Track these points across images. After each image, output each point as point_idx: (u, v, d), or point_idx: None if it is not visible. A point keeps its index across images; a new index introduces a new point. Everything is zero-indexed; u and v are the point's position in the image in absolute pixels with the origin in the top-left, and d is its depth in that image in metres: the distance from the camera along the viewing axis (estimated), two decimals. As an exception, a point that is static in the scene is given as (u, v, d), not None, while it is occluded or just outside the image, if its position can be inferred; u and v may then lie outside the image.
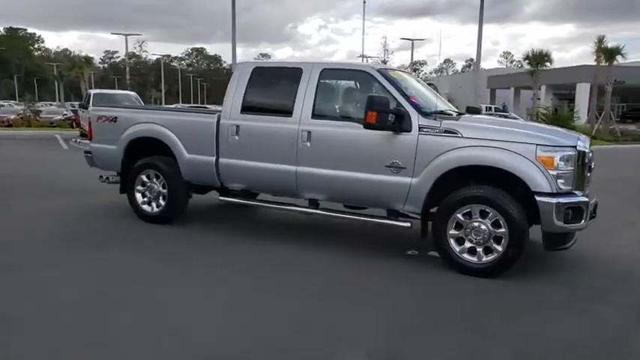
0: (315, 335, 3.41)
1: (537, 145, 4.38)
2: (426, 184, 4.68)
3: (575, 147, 4.44)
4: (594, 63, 30.17)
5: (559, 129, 5.21)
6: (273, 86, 5.78)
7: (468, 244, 4.61)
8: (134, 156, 6.36)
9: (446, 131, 4.63)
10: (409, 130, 4.73)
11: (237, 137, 5.54)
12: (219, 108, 6.06)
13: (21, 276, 4.37)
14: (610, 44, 28.88)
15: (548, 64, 31.79)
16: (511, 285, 4.39)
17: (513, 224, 4.37)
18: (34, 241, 5.39)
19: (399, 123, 4.73)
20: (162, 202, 6.17)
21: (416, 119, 4.73)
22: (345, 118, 5.20)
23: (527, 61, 32.00)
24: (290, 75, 5.49)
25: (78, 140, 7.70)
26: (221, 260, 4.97)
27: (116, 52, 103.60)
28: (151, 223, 6.15)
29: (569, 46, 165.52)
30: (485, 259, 4.55)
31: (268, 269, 4.73)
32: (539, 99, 36.02)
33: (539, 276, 4.64)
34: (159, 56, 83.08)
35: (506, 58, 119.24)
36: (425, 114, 4.82)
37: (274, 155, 5.38)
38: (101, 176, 6.84)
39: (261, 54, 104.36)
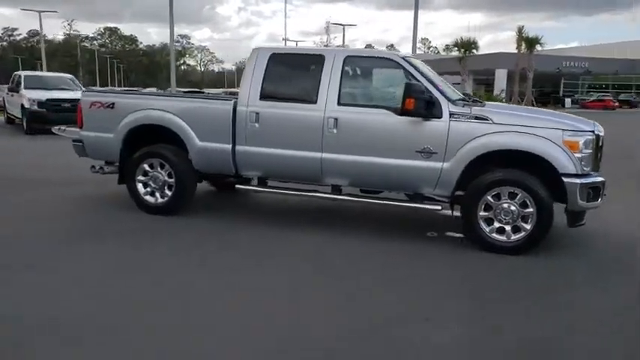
0: (398, 318, 3.53)
1: (563, 130, 4.74)
2: (457, 169, 4.90)
3: (594, 132, 4.85)
4: (512, 50, 32.23)
5: (572, 115, 5.61)
6: (293, 73, 5.72)
7: (497, 224, 4.89)
8: (133, 145, 6.05)
9: (476, 117, 4.86)
10: (439, 117, 4.90)
11: (257, 124, 5.44)
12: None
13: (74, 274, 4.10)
14: (526, 34, 30.83)
15: (474, 51, 33.42)
16: (539, 261, 4.74)
17: (541, 204, 4.71)
18: (75, 234, 5.20)
19: (431, 109, 4.89)
20: (167, 192, 5.93)
21: (446, 106, 4.92)
22: (372, 105, 5.26)
23: (455, 48, 33.44)
24: (311, 62, 5.48)
25: (62, 127, 7.10)
26: (268, 249, 4.96)
27: (15, 29, 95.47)
28: (154, 214, 5.90)
29: (480, 34, 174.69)
30: (513, 237, 4.86)
31: (320, 257, 4.77)
32: (460, 83, 37.84)
33: (560, 252, 5.02)
34: (68, 34, 77.55)
35: (424, 44, 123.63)
36: (452, 101, 5.02)
37: (298, 142, 5.35)
38: (93, 166, 6.42)
39: (180, 35, 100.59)
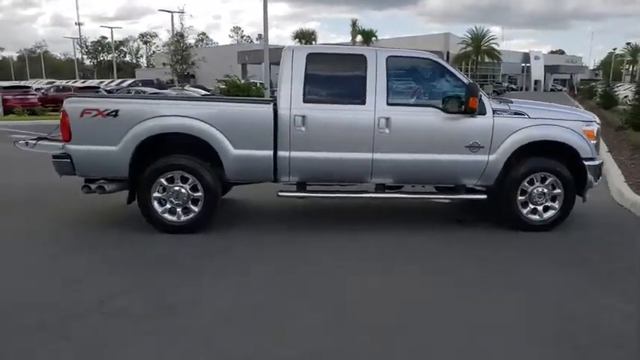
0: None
1: (582, 121, 5.59)
2: (501, 160, 5.42)
3: (598, 122, 5.80)
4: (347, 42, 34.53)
5: (575, 107, 6.53)
6: (333, 73, 5.56)
7: (531, 206, 5.57)
8: (142, 157, 5.28)
9: (515, 113, 5.42)
10: (484, 114, 5.34)
11: (303, 128, 5.21)
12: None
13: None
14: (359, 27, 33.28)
15: (313, 42, 34.90)
16: (564, 234, 5.55)
17: (568, 186, 5.51)
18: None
19: (481, 107, 5.30)
20: (193, 208, 5.33)
21: (489, 104, 5.38)
22: (421, 104, 5.45)
23: (297, 38, 34.47)
24: (351, 62, 5.43)
25: (29, 141, 5.54)
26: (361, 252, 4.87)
27: None
28: (173, 234, 5.27)
29: (286, 24, 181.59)
30: (545, 215, 5.59)
31: (410, 256, 4.85)
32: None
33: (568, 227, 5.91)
34: None
35: (237, 33, 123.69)
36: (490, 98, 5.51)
37: (348, 144, 5.30)
38: (87, 186, 5.39)
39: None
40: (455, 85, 5.42)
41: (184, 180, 5.29)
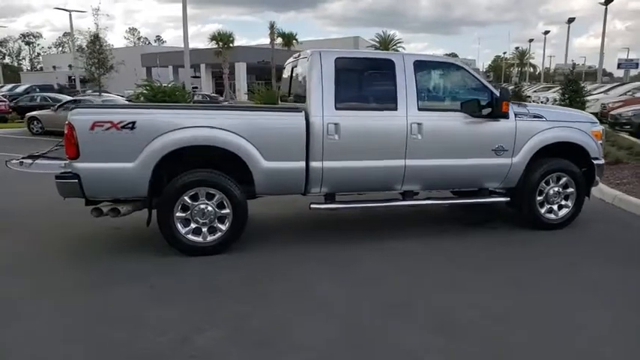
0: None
1: (590, 122, 5.88)
2: (523, 162, 5.55)
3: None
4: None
5: (579, 110, 6.81)
6: (362, 79, 5.36)
7: (547, 206, 5.76)
8: (161, 174, 4.77)
9: (534, 116, 5.58)
10: (507, 117, 5.43)
11: (336, 137, 4.96)
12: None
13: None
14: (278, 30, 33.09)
15: (231, 44, 34.08)
16: (577, 231, 5.82)
17: (580, 185, 5.77)
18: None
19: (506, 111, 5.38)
20: (220, 227, 4.89)
21: (511, 107, 5.48)
22: (450, 108, 5.40)
23: (214, 41, 33.45)
24: (380, 67, 5.28)
25: (25, 161, 4.62)
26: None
27: None
28: (198, 256, 4.82)
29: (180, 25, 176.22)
30: (560, 214, 5.81)
31: (450, 261, 4.75)
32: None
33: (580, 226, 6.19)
34: None
35: (133, 34, 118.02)
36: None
37: (382, 152, 5.14)
38: (97, 209, 4.73)
39: None
40: (477, 89, 5.46)
41: (210, 197, 4.83)
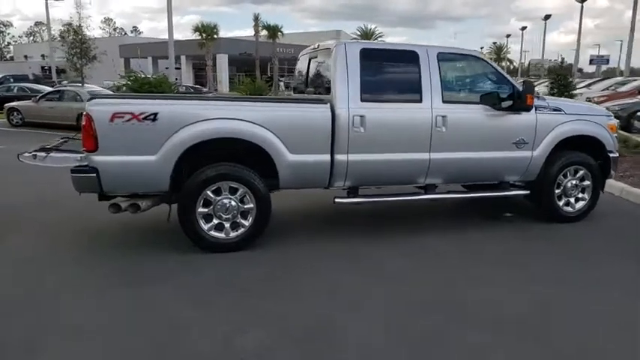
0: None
1: (606, 116, 5.89)
2: (543, 155, 5.53)
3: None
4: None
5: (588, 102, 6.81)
6: (386, 70, 5.23)
7: (564, 199, 5.77)
8: (180, 168, 4.59)
9: (554, 109, 5.55)
10: (528, 110, 5.39)
11: (362, 129, 4.85)
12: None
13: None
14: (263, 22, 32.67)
15: (215, 36, 33.51)
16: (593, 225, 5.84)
17: (596, 178, 5.79)
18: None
19: (522, 104, 5.35)
20: (243, 222, 4.74)
21: (531, 100, 5.44)
22: (473, 101, 5.32)
23: (197, 32, 32.83)
24: (404, 58, 5.16)
25: (39, 154, 4.32)
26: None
27: None
28: (221, 253, 4.67)
29: (161, 17, 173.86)
30: (577, 207, 5.82)
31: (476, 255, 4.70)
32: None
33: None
34: None
35: (109, 24, 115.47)
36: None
37: (407, 144, 5.05)
38: (116, 205, 4.53)
39: None
40: (498, 81, 5.41)
41: (233, 191, 4.67)
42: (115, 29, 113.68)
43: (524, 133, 5.42)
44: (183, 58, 52.44)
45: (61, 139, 5.39)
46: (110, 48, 58.58)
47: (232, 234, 4.73)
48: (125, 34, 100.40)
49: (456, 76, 5.52)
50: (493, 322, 3.44)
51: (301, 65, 6.14)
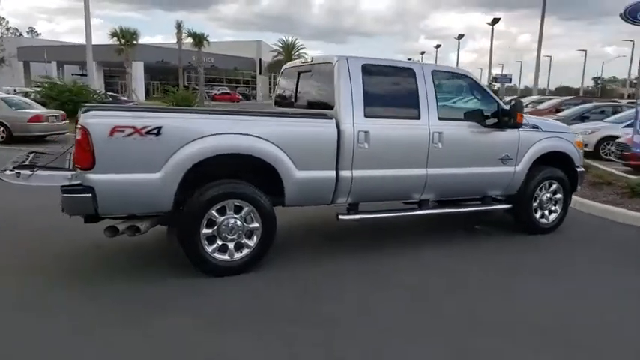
0: None
1: (574, 133, 6.31)
2: (524, 170, 5.80)
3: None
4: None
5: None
6: (387, 87, 5.18)
7: (539, 212, 6.08)
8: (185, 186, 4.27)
9: (533, 126, 5.85)
10: (519, 127, 5.62)
11: (366, 145, 4.80)
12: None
13: None
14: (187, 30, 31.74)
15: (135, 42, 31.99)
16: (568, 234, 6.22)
17: (567, 192, 6.18)
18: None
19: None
20: (248, 242, 4.49)
21: (514, 118, 5.70)
22: (461, 118, 5.41)
23: (115, 37, 31.13)
24: (402, 75, 5.20)
25: (23, 172, 3.61)
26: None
27: None
28: (223, 276, 4.40)
29: (60, 18, 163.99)
30: (551, 219, 6.16)
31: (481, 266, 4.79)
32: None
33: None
34: None
35: (1, 24, 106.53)
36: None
37: (407, 160, 5.08)
38: (113, 227, 4.10)
39: None
40: (485, 99, 5.61)
41: (237, 210, 4.42)
42: (7, 29, 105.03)
43: (508, 149, 5.66)
44: (93, 64, 49.58)
45: (29, 153, 4.82)
46: (6, 50, 54.10)
47: (237, 255, 4.46)
48: (20, 34, 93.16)
49: (448, 94, 5.64)
50: (550, 336, 3.51)
51: (287, 79, 6.00)
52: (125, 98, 29.55)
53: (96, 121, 3.90)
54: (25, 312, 3.64)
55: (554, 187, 6.10)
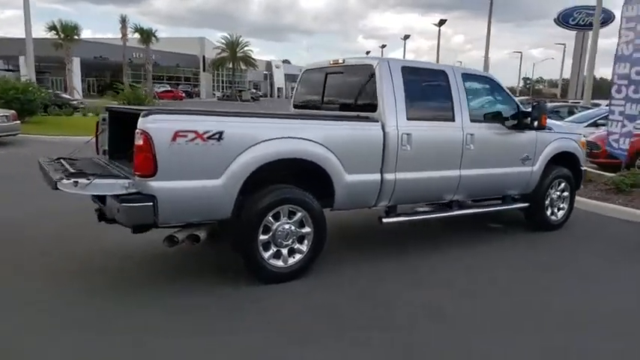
0: None
1: (579, 134, 6.64)
2: (540, 170, 6.06)
3: (582, 134, 6.96)
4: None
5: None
6: (424, 89, 5.22)
7: (550, 209, 6.37)
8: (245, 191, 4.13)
9: (547, 127, 6.11)
10: (545, 129, 5.86)
11: (408, 147, 4.84)
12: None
13: None
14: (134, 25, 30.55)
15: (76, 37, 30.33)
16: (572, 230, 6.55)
17: (573, 190, 6.51)
18: None
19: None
20: (301, 248, 4.41)
21: (531, 120, 5.93)
22: (488, 120, 5.53)
23: (53, 31, 29.34)
24: (437, 78, 5.27)
25: (81, 181, 3.19)
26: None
27: None
28: (277, 283, 4.31)
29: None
30: (559, 215, 6.47)
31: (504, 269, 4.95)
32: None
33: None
34: None
35: None
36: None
37: (443, 162, 5.17)
38: (172, 237, 3.89)
39: None
40: (507, 101, 5.81)
41: (291, 215, 4.33)
42: None
43: (528, 149, 5.88)
44: (22, 59, 46.56)
45: (56, 160, 4.49)
46: None
47: (290, 261, 4.37)
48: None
49: (475, 96, 5.77)
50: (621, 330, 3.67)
51: (310, 80, 5.93)
52: (67, 96, 27.94)
53: (157, 125, 3.68)
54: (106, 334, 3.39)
55: (562, 185, 6.40)
